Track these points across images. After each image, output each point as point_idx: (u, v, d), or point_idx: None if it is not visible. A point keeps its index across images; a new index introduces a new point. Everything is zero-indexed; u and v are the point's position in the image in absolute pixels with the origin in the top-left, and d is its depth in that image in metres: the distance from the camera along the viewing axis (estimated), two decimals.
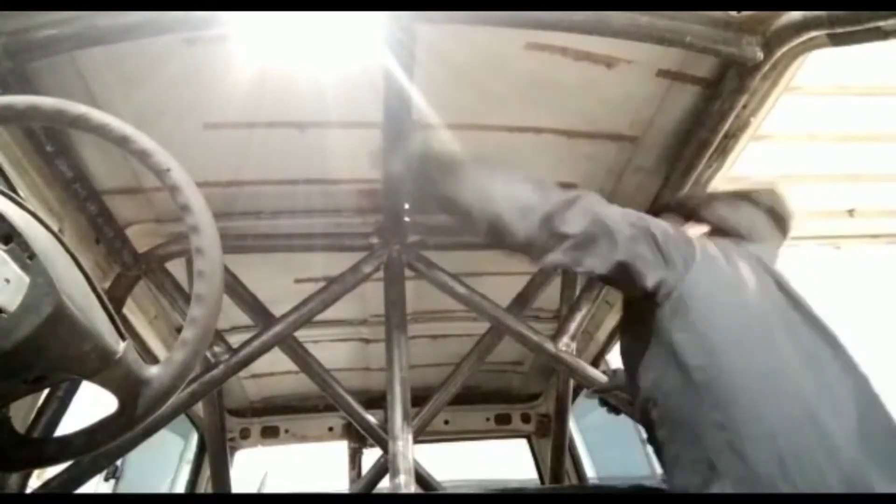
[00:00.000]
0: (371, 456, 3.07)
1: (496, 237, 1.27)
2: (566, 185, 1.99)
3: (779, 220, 1.40)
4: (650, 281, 1.14)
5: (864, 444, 0.98)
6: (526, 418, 3.51)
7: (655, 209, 1.56)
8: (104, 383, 0.71)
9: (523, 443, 3.60)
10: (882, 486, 0.94)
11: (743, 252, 1.24)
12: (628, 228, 1.17)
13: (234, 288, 1.95)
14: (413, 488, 1.73)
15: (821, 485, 0.94)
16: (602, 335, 2.66)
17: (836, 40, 1.27)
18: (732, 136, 1.64)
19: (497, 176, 1.28)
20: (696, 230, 1.35)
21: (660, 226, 1.21)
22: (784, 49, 1.36)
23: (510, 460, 3.91)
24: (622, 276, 1.17)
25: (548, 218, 1.19)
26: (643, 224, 1.19)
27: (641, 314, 1.21)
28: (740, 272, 1.19)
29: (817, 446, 0.97)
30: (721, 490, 1.01)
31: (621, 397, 1.77)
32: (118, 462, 2.45)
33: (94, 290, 0.70)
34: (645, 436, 1.66)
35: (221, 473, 2.53)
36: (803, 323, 1.13)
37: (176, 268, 1.96)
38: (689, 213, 1.42)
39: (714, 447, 1.02)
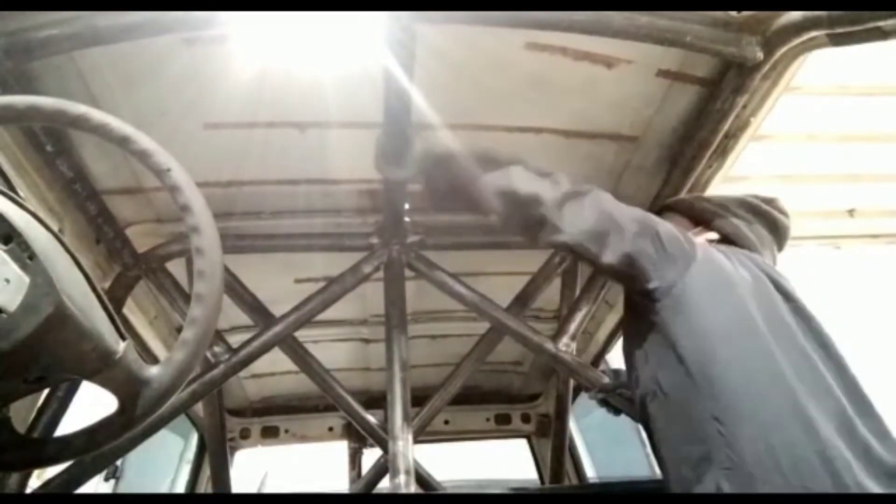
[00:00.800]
0: (371, 456, 3.07)
1: (517, 224, 1.35)
2: None
3: (779, 236, 1.45)
4: (652, 277, 1.19)
5: (852, 443, 1.02)
6: (526, 418, 3.51)
7: (660, 208, 1.58)
8: (104, 383, 0.71)
9: (523, 443, 3.60)
10: (869, 484, 0.97)
11: (743, 257, 1.29)
12: (634, 224, 1.22)
13: (234, 288, 1.95)
14: (413, 488, 1.73)
15: (810, 479, 0.98)
16: (602, 335, 2.65)
17: (836, 40, 1.27)
18: (732, 136, 1.64)
19: (513, 169, 1.33)
20: (704, 236, 1.40)
21: (663, 225, 1.25)
22: (784, 49, 1.36)
23: (510, 460, 3.91)
24: (627, 270, 1.22)
25: (560, 204, 1.25)
26: (649, 222, 1.24)
27: (643, 310, 1.25)
28: (740, 273, 1.22)
29: (807, 442, 1.01)
30: (714, 480, 1.05)
31: (623, 397, 1.78)
32: (118, 462, 2.45)
33: (94, 290, 0.70)
34: (645, 434, 1.68)
35: (221, 473, 2.53)
36: (798, 324, 1.17)
37: (176, 268, 1.96)
38: (699, 219, 1.46)
39: (708, 438, 1.07)
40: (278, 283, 2.23)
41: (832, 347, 1.16)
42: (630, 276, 1.23)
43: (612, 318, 2.53)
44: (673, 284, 1.18)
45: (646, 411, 1.26)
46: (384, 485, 1.86)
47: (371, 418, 1.93)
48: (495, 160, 1.37)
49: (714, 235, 1.41)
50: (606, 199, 1.28)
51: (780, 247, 1.46)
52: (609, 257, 1.21)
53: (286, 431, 3.39)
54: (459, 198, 1.43)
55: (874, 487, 0.96)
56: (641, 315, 1.25)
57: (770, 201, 1.46)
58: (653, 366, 1.23)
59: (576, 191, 1.28)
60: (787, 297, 1.22)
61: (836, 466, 0.98)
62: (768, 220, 1.43)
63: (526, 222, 1.32)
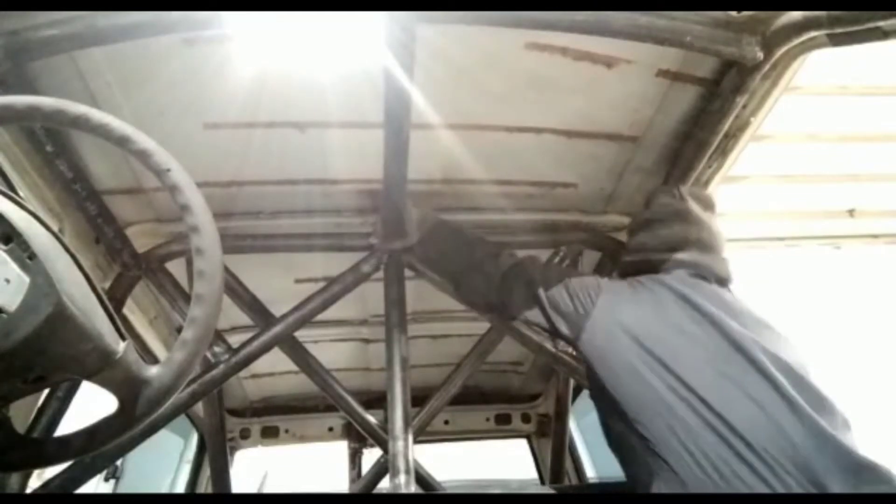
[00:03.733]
0: (371, 456, 3.08)
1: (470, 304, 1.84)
2: (566, 186, 2.01)
3: (705, 204, 1.55)
4: (564, 330, 1.43)
5: (770, 436, 1.08)
6: (526, 418, 3.51)
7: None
8: (104, 383, 0.71)
9: (523, 443, 3.60)
10: (792, 483, 1.03)
11: (652, 283, 1.41)
12: (545, 290, 1.47)
13: (234, 288, 1.95)
14: (413, 488, 1.72)
15: (732, 476, 1.06)
16: None
17: (836, 40, 1.27)
18: (732, 136, 1.64)
19: (474, 256, 1.67)
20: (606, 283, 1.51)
21: (570, 282, 1.47)
22: (784, 49, 1.36)
23: (510, 460, 3.91)
24: (551, 328, 1.47)
25: (498, 287, 1.59)
26: (557, 280, 1.47)
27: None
28: (640, 304, 1.36)
29: (717, 441, 1.10)
30: (657, 485, 1.18)
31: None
32: (118, 462, 2.45)
33: (94, 290, 0.70)
34: None
35: (221, 473, 2.53)
36: (710, 333, 1.26)
37: (176, 268, 1.96)
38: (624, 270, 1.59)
39: (648, 459, 1.21)
40: (278, 283, 2.23)
41: (745, 347, 1.21)
42: (554, 333, 1.48)
43: None
44: (584, 332, 1.38)
45: (616, 455, 1.40)
46: (384, 485, 1.86)
47: (371, 418, 1.93)
48: (461, 244, 1.73)
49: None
50: (531, 270, 1.56)
51: (710, 208, 1.56)
52: (534, 318, 1.51)
53: (286, 431, 3.38)
54: (440, 269, 1.84)
55: (796, 487, 1.02)
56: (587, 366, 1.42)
57: (685, 196, 1.55)
58: (602, 412, 1.40)
59: (510, 268, 1.59)
60: (697, 308, 1.31)
61: (754, 465, 1.06)
62: (682, 216, 1.51)
63: (476, 308, 1.86)
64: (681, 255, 1.45)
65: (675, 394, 1.18)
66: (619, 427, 1.30)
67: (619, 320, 1.34)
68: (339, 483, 3.43)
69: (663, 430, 1.17)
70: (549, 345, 1.99)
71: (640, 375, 1.24)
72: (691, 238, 1.47)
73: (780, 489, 1.03)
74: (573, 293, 1.44)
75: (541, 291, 1.48)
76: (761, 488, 1.04)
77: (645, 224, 1.56)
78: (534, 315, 1.50)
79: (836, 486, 1.01)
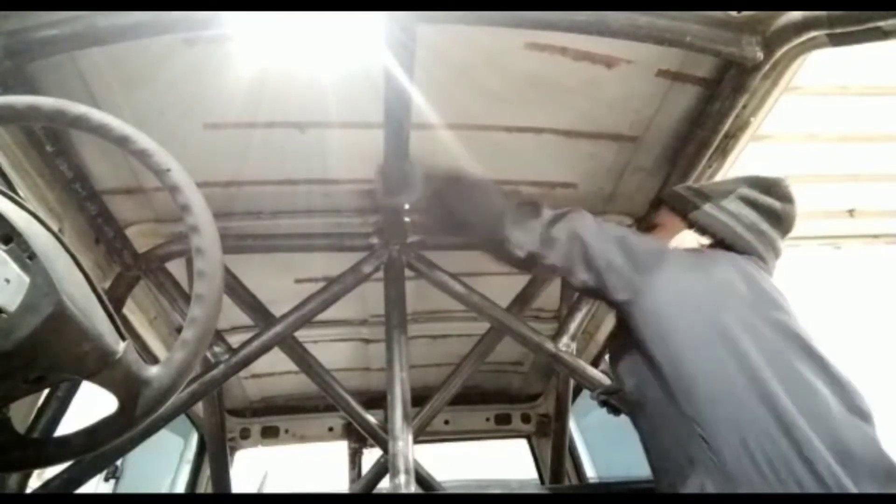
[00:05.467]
0: (371, 456, 3.07)
1: (503, 256, 1.47)
2: (566, 186, 2.01)
3: (783, 226, 1.41)
4: (621, 291, 1.27)
5: (833, 443, 1.01)
6: (526, 418, 3.50)
7: (653, 201, 1.61)
8: (104, 383, 0.71)
9: (523, 443, 3.60)
10: (847, 484, 0.97)
11: (724, 260, 1.30)
12: (601, 241, 1.31)
13: (234, 288, 1.95)
14: (413, 488, 1.72)
15: (789, 478, 0.99)
16: (602, 335, 2.65)
17: (836, 40, 1.27)
18: (732, 136, 1.64)
19: (506, 215, 1.44)
20: (697, 241, 1.40)
21: (633, 238, 1.33)
22: (784, 49, 1.36)
23: (510, 460, 3.92)
24: (596, 285, 1.31)
25: (542, 237, 1.37)
26: (615, 235, 1.32)
27: (623, 322, 1.31)
28: (713, 279, 1.25)
29: (784, 441, 1.02)
30: (698, 482, 1.07)
31: (625, 400, 1.78)
32: (118, 462, 2.45)
33: (94, 290, 0.70)
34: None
35: (221, 473, 2.53)
36: (777, 327, 1.18)
37: (176, 268, 1.96)
38: (688, 222, 1.44)
39: (690, 443, 1.10)
40: (278, 283, 2.23)
41: (813, 348, 1.15)
42: (600, 291, 1.31)
43: (612, 319, 2.51)
44: (641, 296, 1.24)
45: (636, 422, 1.31)
46: (384, 485, 1.86)
47: (371, 418, 1.93)
48: (488, 193, 1.53)
49: (706, 241, 1.40)
50: (578, 220, 1.37)
51: (784, 234, 1.42)
52: (580, 275, 1.32)
53: (286, 431, 3.38)
54: (455, 228, 1.61)
55: (852, 488, 0.96)
56: (623, 328, 1.31)
57: (770, 188, 1.41)
58: (636, 377, 1.28)
59: (554, 218, 1.39)
60: (767, 299, 1.22)
61: (816, 467, 0.98)
62: (769, 213, 1.39)
63: (511, 260, 1.45)
64: (758, 246, 1.36)
65: (743, 377, 1.08)
66: (657, 401, 1.19)
67: (687, 288, 1.23)
68: (339, 483, 3.43)
69: (720, 415, 1.07)
70: (549, 345, 1.99)
71: (705, 350, 1.14)
72: (771, 236, 1.39)
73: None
74: (633, 248, 1.29)
75: (592, 243, 1.31)
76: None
77: (751, 202, 1.41)
78: (580, 270, 1.32)
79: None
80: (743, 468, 1.02)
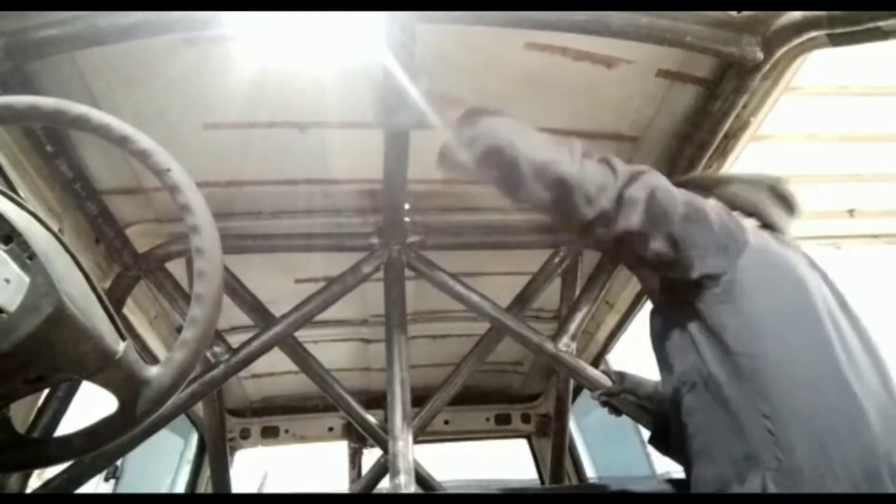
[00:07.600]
0: (371, 456, 3.08)
1: (562, 211, 1.17)
2: None
3: (793, 218, 1.38)
4: (702, 263, 1.12)
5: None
6: (526, 418, 3.51)
7: (677, 183, 1.40)
8: (104, 383, 0.71)
9: (523, 443, 3.60)
10: None
11: (790, 243, 1.24)
12: (683, 208, 1.13)
13: (234, 288, 1.95)
14: (413, 488, 1.73)
15: (862, 481, 0.93)
16: (602, 335, 2.65)
17: (836, 40, 1.27)
18: (732, 137, 1.63)
19: (560, 149, 1.17)
20: (747, 222, 1.30)
21: (714, 209, 1.18)
22: (784, 49, 1.36)
23: (510, 460, 3.92)
24: (673, 257, 1.13)
25: (619, 195, 1.12)
26: (699, 206, 1.16)
27: (685, 297, 1.17)
28: (791, 262, 1.17)
29: (859, 443, 0.96)
30: (760, 480, 0.99)
31: (625, 401, 1.78)
32: (118, 462, 2.45)
33: (94, 290, 0.70)
34: (648, 434, 1.67)
35: (221, 473, 2.53)
36: (845, 317, 1.12)
37: (176, 268, 1.96)
38: (732, 204, 1.33)
39: (755, 436, 1.01)
40: (278, 283, 2.23)
41: (871, 339, 1.11)
42: (676, 263, 1.14)
43: (612, 318, 2.53)
44: (723, 272, 1.11)
45: (680, 402, 1.19)
46: (384, 485, 1.86)
47: (371, 418, 1.93)
48: (530, 131, 1.23)
49: (755, 222, 1.30)
50: (658, 180, 1.16)
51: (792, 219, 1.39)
52: (656, 243, 1.12)
53: (286, 431, 3.39)
54: (495, 167, 1.22)
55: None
56: (684, 303, 1.18)
57: (779, 181, 1.38)
58: (694, 356, 1.15)
59: (632, 175, 1.14)
60: (835, 289, 1.17)
61: (884, 469, 0.94)
62: (787, 203, 1.35)
63: (572, 217, 1.15)
64: (782, 224, 1.32)
65: (830, 372, 1.00)
66: (718, 386, 1.08)
67: (783, 263, 1.15)
68: (339, 483, 3.43)
69: (797, 410, 0.99)
70: (549, 345, 1.99)
71: (791, 336, 1.05)
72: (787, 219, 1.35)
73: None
74: (722, 222, 1.15)
75: (675, 210, 1.12)
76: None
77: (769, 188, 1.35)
78: (656, 238, 1.11)
79: None
80: (819, 475, 0.94)
